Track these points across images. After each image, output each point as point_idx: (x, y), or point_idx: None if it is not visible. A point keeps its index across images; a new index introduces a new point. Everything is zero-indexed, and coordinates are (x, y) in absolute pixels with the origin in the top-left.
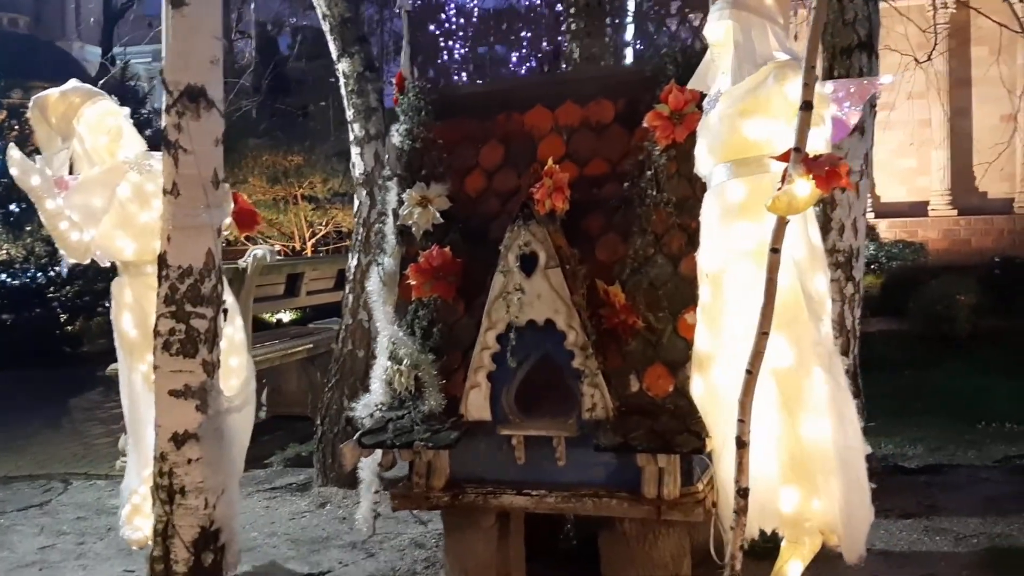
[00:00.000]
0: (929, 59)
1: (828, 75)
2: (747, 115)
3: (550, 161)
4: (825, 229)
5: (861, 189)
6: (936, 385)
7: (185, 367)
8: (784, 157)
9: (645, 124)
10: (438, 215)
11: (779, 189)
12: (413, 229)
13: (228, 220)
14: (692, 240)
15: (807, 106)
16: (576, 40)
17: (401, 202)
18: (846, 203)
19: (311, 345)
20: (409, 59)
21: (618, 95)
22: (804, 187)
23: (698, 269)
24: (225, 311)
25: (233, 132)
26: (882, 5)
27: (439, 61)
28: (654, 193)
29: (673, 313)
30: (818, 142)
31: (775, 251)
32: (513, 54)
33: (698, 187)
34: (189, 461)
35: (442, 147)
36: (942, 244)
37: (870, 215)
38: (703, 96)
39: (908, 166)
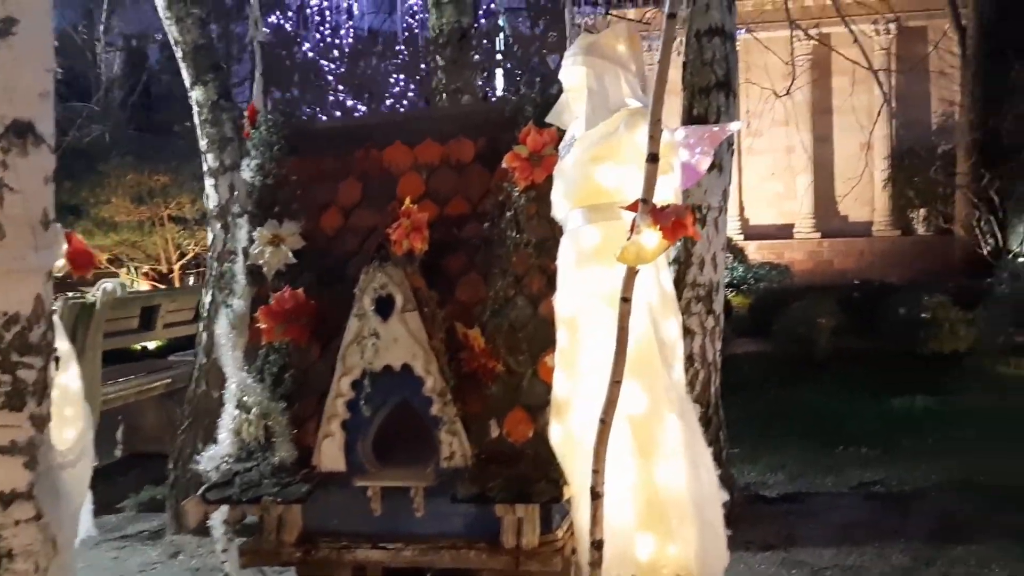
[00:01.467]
0: (788, 93)
1: (688, 113)
2: (599, 161)
3: (407, 201)
4: (686, 263)
5: (720, 224)
6: (798, 407)
7: (11, 421)
8: (632, 207)
9: (504, 165)
10: (291, 255)
11: (628, 239)
12: (264, 269)
13: (61, 262)
14: (552, 282)
15: (653, 158)
16: (442, 72)
17: (252, 240)
18: (706, 238)
19: (169, 380)
20: (262, 91)
21: (478, 134)
22: (651, 238)
23: (555, 313)
24: (57, 359)
25: (96, 151)
26: (747, 37)
27: (316, 89)
28: (514, 234)
29: (533, 356)
30: (667, 191)
31: (625, 300)
32: (389, 84)
33: (557, 229)
34: (17, 523)
35: (296, 183)
36: (807, 265)
37: (739, 237)
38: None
39: (775, 190)
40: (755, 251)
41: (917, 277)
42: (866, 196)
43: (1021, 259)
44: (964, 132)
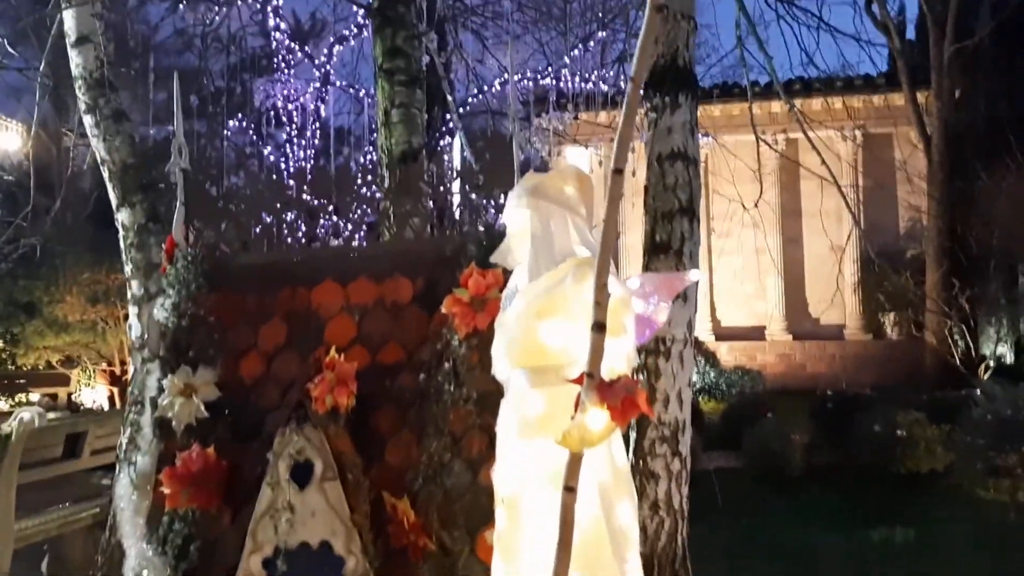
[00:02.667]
0: (756, 206)
1: (650, 239)
2: (544, 317)
3: (332, 351)
4: (649, 400)
5: (685, 358)
6: (771, 537)
7: None
8: (577, 381)
9: (443, 309)
10: (203, 408)
11: (572, 419)
12: (173, 423)
13: None
14: (495, 443)
15: (599, 327)
16: (388, 198)
17: (161, 389)
18: (670, 373)
19: (97, 509)
20: (183, 222)
21: (416, 273)
22: (598, 419)
23: (494, 490)
24: None
25: (54, 247)
26: (711, 141)
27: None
28: (452, 388)
29: (471, 531)
30: (617, 358)
31: (570, 490)
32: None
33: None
34: None
35: (214, 325)
36: (779, 368)
37: (711, 338)
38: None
39: (746, 292)
40: (727, 353)
41: (889, 382)
42: (837, 299)
43: (993, 364)
44: (932, 239)
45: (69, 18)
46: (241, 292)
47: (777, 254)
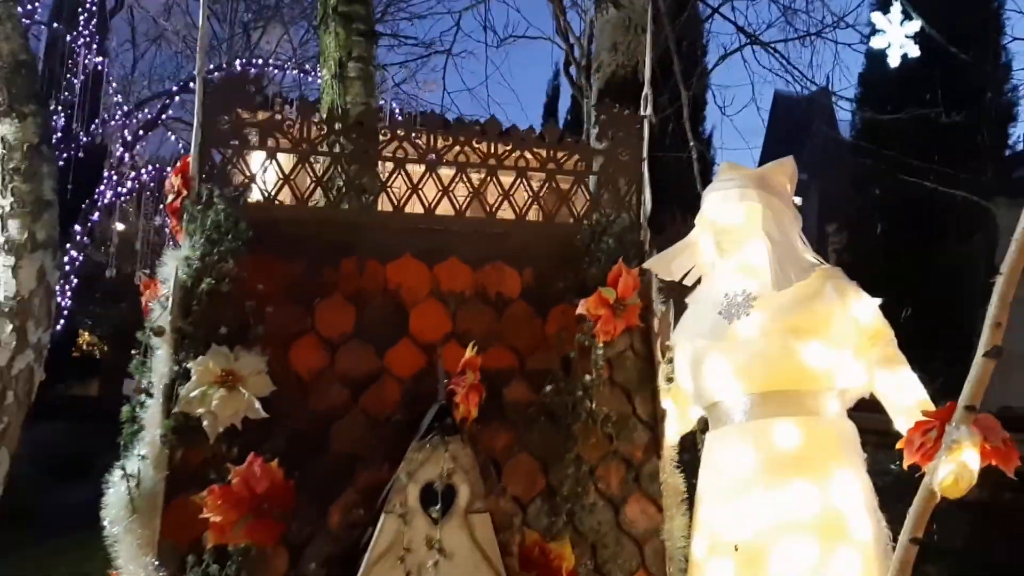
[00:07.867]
0: None
1: None
2: (803, 335)
3: (471, 349)
4: None
5: None
6: None
7: None
8: (942, 415)
9: (583, 310)
10: (258, 405)
11: (940, 459)
12: (206, 423)
13: None
14: (638, 478)
15: (996, 353)
16: (338, 165)
17: (181, 375)
18: None
19: None
20: (201, 142)
21: (522, 263)
22: (974, 458)
23: (700, 542)
24: None
25: None
26: None
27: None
28: (592, 405)
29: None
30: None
31: (915, 542)
32: None
33: (637, 402)
34: None
35: (259, 296)
36: None
37: None
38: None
39: None
40: None
41: None
42: None
43: None
44: None
45: None
46: (287, 256)
47: None
